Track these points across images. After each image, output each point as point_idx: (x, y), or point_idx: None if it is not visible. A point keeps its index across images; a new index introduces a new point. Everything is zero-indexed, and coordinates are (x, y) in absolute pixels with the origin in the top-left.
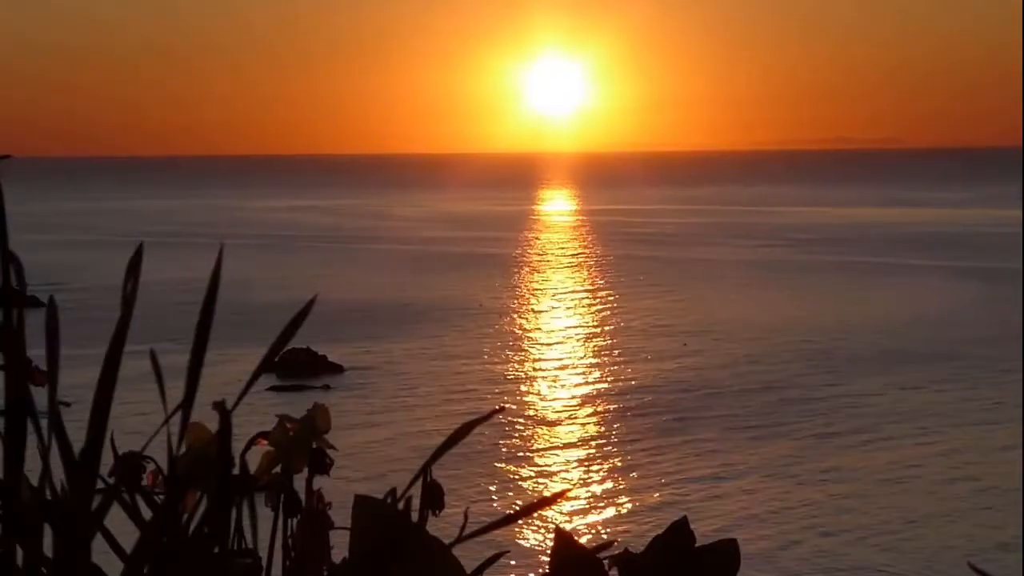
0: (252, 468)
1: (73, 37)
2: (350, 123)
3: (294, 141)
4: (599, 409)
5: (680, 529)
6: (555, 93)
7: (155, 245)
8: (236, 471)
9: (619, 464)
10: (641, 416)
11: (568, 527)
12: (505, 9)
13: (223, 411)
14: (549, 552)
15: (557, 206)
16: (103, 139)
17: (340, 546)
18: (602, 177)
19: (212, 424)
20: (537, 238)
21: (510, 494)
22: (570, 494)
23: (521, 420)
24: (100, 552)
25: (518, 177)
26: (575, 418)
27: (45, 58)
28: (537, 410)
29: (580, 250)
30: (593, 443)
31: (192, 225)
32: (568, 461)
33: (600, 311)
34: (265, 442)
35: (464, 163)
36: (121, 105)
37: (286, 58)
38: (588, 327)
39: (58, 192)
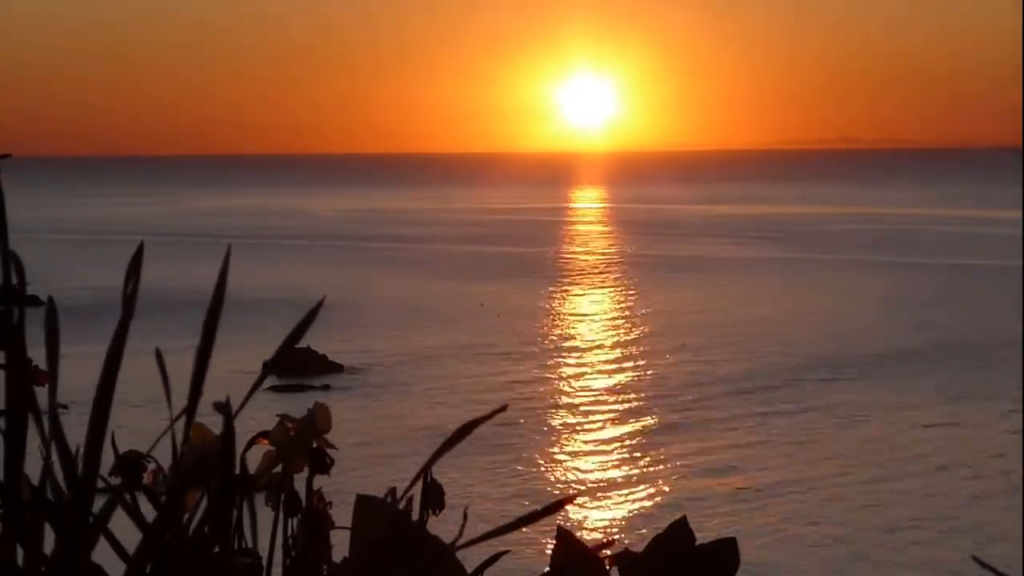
0: (252, 468)
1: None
2: (398, 126)
3: (343, 140)
4: (598, 407)
5: (680, 528)
6: (587, 105)
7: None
8: (236, 471)
9: (618, 462)
10: (640, 414)
11: (569, 524)
12: (540, 35)
13: (226, 412)
14: (550, 551)
15: (566, 204)
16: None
17: (340, 546)
18: (617, 176)
19: (211, 423)
20: (539, 237)
21: (509, 492)
22: (569, 492)
23: (521, 418)
24: (101, 552)
25: (539, 176)
26: (574, 416)
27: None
28: (537, 408)
29: (582, 249)
30: (592, 441)
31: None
32: (567, 458)
33: (600, 309)
34: (265, 442)
35: (500, 162)
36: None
37: (361, 62)
38: (589, 325)
39: (84, 190)
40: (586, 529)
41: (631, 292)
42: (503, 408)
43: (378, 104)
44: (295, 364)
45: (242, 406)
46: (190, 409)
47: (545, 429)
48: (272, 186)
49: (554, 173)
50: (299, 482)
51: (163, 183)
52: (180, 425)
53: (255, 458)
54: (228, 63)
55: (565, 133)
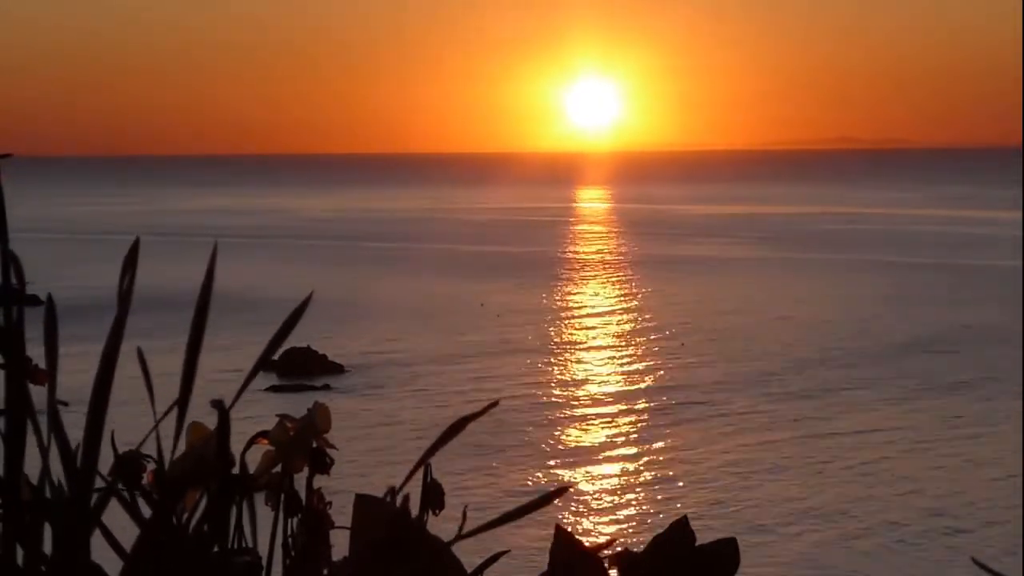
0: (252, 468)
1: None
2: (403, 126)
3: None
4: (597, 406)
5: (680, 528)
6: (592, 107)
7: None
8: (236, 470)
9: (617, 461)
10: (640, 413)
11: (568, 524)
12: (546, 38)
13: (222, 409)
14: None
15: (570, 204)
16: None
17: (340, 545)
18: (621, 177)
19: (211, 422)
20: (542, 237)
21: (508, 491)
22: (569, 491)
23: (519, 417)
24: (101, 551)
25: (544, 176)
26: (572, 415)
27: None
28: (536, 407)
29: (584, 249)
30: (589, 440)
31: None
32: (565, 457)
33: (601, 309)
34: (265, 441)
35: (507, 162)
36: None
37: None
38: (590, 325)
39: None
40: (585, 527)
41: (632, 292)
42: (495, 404)
43: (380, 104)
44: (295, 364)
45: (234, 402)
46: (181, 405)
47: (543, 428)
48: (272, 186)
49: (559, 173)
50: (299, 482)
51: (163, 183)
52: (174, 424)
53: (255, 458)
54: (228, 63)
55: (571, 134)
